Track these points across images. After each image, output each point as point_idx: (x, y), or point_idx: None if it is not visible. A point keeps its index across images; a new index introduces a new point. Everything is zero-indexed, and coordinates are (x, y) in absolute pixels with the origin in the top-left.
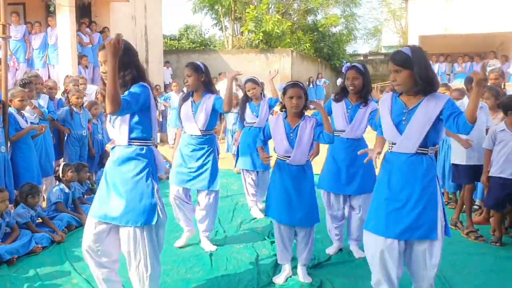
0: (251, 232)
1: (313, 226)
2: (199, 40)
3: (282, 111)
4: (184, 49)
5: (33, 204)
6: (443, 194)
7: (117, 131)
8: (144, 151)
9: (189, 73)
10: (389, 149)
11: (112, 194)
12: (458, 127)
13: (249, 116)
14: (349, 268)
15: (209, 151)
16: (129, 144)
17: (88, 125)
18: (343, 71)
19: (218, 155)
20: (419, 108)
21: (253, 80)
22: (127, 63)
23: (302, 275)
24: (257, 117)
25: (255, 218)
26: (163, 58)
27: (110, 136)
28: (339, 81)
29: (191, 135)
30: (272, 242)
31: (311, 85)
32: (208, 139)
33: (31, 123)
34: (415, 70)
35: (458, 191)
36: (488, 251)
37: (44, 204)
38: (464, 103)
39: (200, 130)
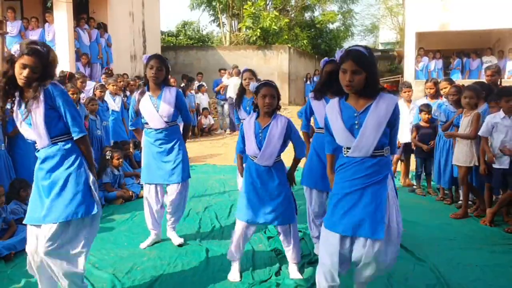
0: None
1: (291, 225)
2: (196, 37)
3: (255, 110)
4: (181, 46)
5: (25, 197)
6: (438, 189)
7: (36, 133)
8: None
9: (159, 67)
10: (344, 153)
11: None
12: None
13: (241, 112)
14: None
15: (177, 142)
16: (52, 144)
17: (85, 122)
18: (321, 65)
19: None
20: (371, 112)
21: (251, 71)
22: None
23: (292, 272)
24: (248, 114)
25: None
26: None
27: (30, 137)
28: None
29: (157, 129)
30: (269, 238)
31: (308, 82)
32: (173, 130)
33: None
34: (369, 73)
35: (454, 187)
36: (483, 246)
37: None
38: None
39: (166, 122)
